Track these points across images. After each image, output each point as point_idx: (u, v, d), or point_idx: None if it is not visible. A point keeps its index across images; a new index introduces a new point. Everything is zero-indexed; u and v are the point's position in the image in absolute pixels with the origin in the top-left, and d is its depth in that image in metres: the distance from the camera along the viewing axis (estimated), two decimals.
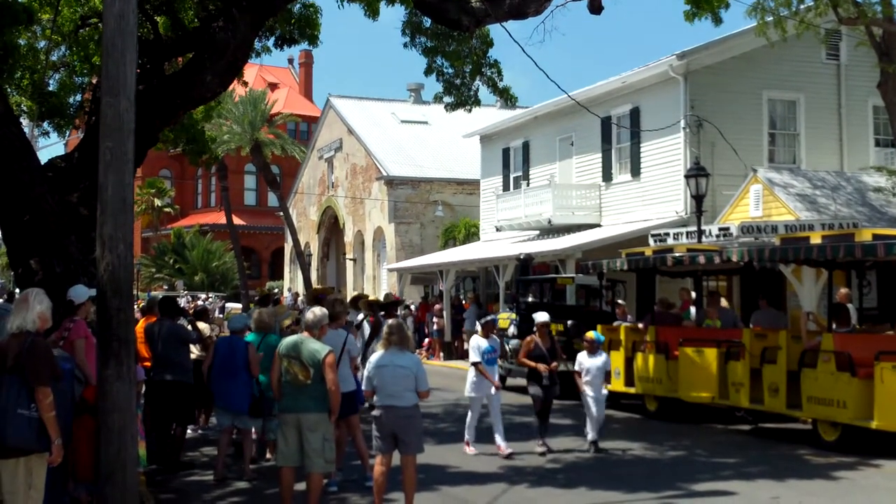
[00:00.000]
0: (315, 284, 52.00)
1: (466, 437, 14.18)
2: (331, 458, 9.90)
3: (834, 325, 14.55)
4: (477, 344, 14.15)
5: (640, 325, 18.41)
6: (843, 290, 16.89)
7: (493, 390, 13.95)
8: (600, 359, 14.44)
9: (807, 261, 15.20)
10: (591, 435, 14.26)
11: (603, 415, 14.42)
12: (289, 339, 10.14)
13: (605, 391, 14.44)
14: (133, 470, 8.94)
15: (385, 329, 10.19)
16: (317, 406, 9.70)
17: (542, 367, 14.02)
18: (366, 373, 9.99)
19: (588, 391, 14.26)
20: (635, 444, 14.63)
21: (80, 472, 8.98)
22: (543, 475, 12.25)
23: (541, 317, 14.57)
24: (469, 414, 14.20)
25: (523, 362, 14.29)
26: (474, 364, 14.02)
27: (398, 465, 10.04)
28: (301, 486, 9.95)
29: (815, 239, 14.83)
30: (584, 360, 14.47)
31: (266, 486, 11.40)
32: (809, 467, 12.87)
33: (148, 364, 12.79)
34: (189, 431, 14.64)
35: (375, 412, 9.89)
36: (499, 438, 13.83)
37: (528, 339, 14.55)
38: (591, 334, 14.69)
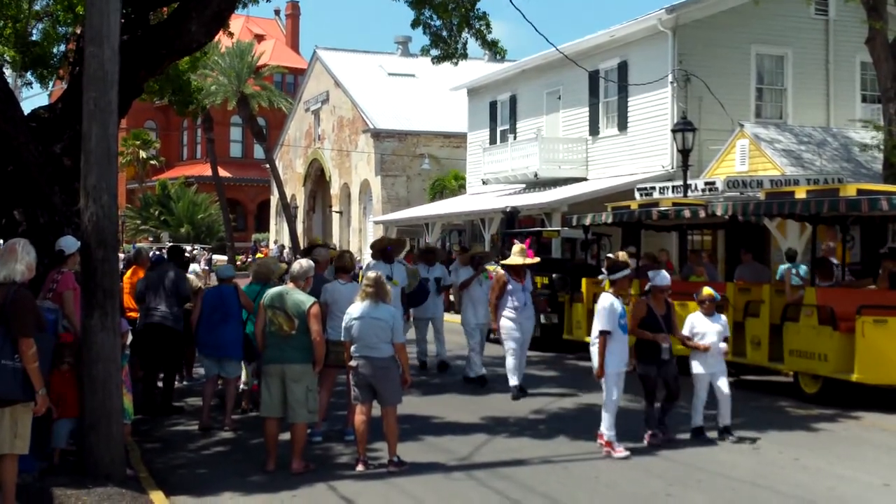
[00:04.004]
0: (301, 237, 52.03)
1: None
2: (314, 408, 9.99)
3: (817, 280, 14.64)
4: (611, 305, 10.75)
5: None
6: (831, 245, 16.96)
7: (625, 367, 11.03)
8: (719, 322, 11.64)
9: (791, 215, 15.24)
10: (721, 420, 11.49)
11: (728, 391, 11.49)
12: (273, 290, 10.20)
13: (724, 363, 11.66)
14: (118, 420, 9.00)
15: (364, 281, 10.19)
16: (301, 357, 9.78)
17: (661, 337, 11.27)
18: (344, 323, 10.01)
19: (699, 366, 11.58)
20: None
21: (67, 409, 9.07)
22: (526, 426, 12.33)
23: (662, 279, 11.43)
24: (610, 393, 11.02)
25: (639, 333, 11.27)
26: (603, 333, 10.71)
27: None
28: (286, 436, 10.03)
29: (800, 194, 14.85)
30: (697, 322, 11.66)
31: (251, 436, 11.45)
32: (790, 419, 13.00)
33: (132, 315, 12.78)
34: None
35: (353, 362, 9.94)
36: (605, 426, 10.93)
37: (639, 302, 11.62)
38: (708, 290, 11.83)
